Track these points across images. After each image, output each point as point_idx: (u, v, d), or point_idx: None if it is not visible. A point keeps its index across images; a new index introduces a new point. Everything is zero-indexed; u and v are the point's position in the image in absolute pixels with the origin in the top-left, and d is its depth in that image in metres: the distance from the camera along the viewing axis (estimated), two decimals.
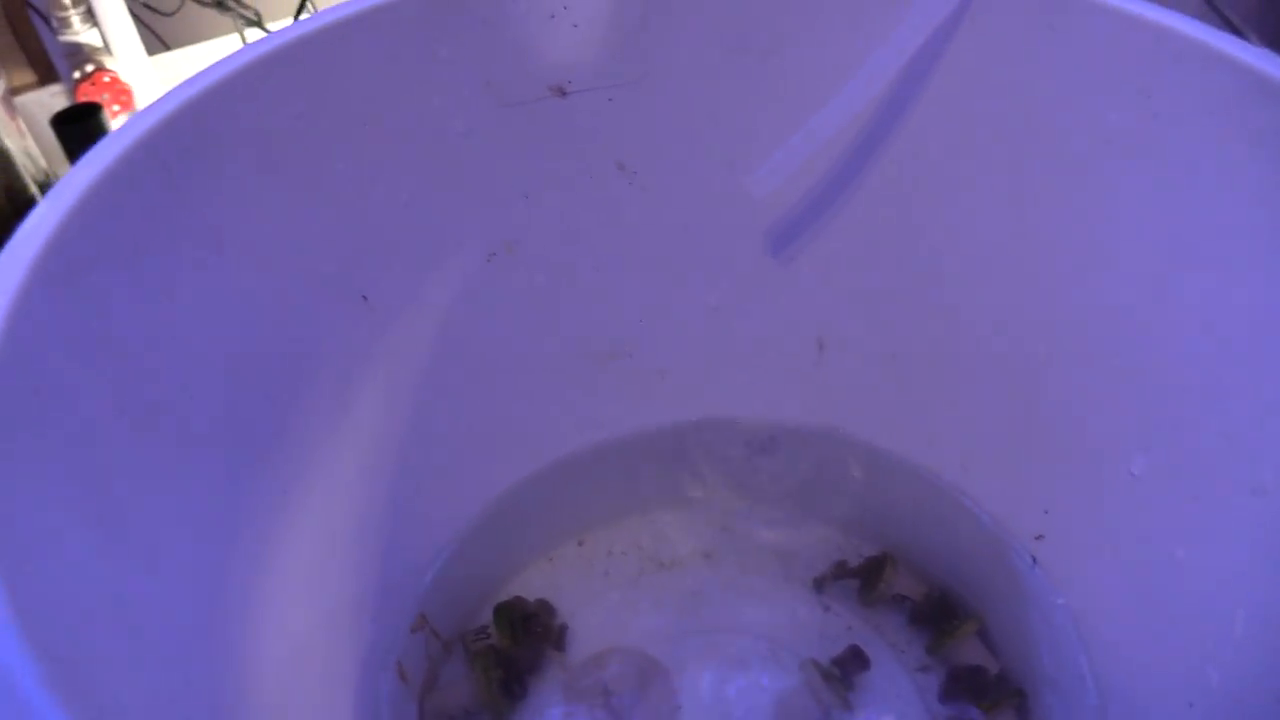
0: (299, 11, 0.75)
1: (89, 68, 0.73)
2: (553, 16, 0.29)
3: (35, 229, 0.20)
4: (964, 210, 0.30)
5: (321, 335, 0.28)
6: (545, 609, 0.36)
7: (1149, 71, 0.25)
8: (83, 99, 0.70)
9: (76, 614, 0.18)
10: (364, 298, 0.29)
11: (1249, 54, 0.23)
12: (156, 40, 0.87)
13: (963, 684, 0.33)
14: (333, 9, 0.27)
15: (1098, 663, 0.30)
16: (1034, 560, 0.32)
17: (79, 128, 0.64)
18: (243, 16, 0.85)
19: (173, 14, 0.86)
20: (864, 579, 0.36)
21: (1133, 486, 0.28)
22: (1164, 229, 0.26)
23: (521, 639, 0.35)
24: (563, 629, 0.35)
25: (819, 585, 0.36)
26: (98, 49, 0.73)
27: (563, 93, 0.30)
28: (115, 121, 0.74)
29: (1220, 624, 0.25)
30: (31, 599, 0.15)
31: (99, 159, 0.22)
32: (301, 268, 0.27)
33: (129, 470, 0.21)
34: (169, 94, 0.24)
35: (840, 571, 0.36)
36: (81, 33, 0.73)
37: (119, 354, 0.22)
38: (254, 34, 0.84)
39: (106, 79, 0.72)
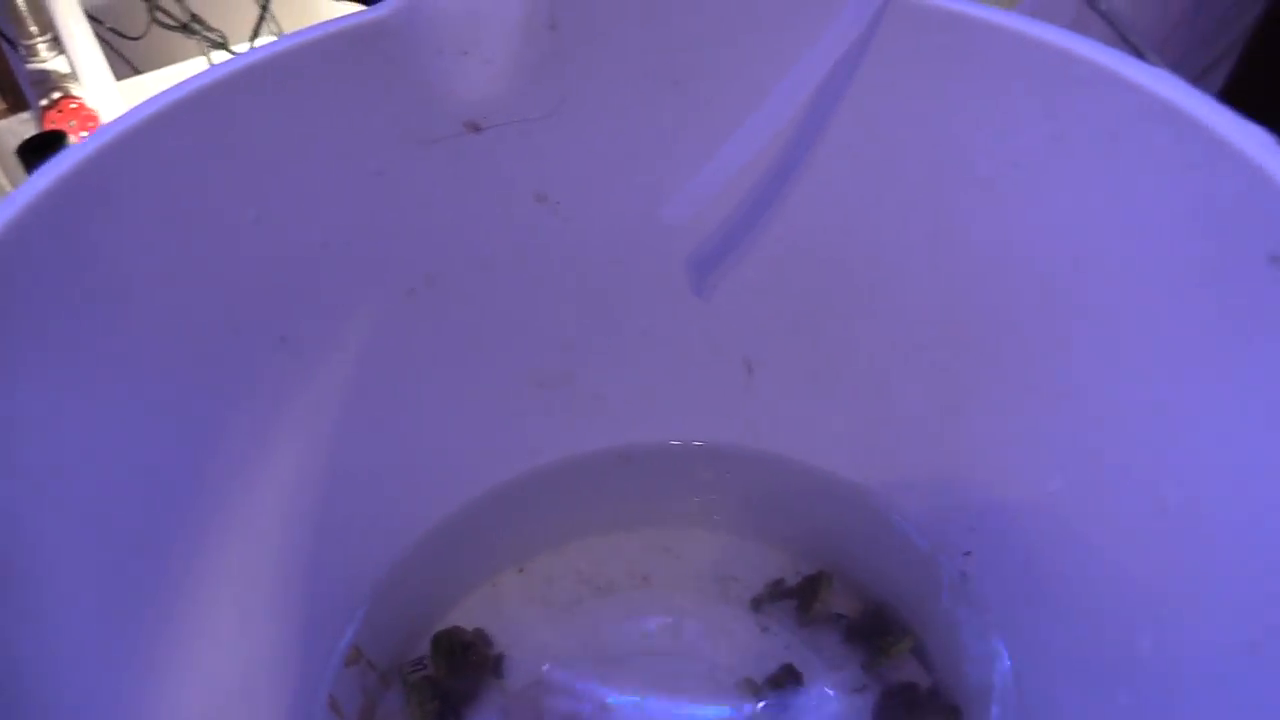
0: (255, 34, 0.76)
1: (56, 95, 0.73)
2: (464, 53, 0.29)
3: None
4: (879, 233, 0.30)
5: (239, 380, 0.29)
6: (482, 638, 0.36)
7: (1052, 93, 0.25)
8: (50, 126, 0.70)
9: None
10: (282, 339, 0.29)
11: (1147, 76, 0.24)
12: (125, 64, 0.87)
13: (896, 702, 0.33)
14: (237, 58, 0.27)
15: (1024, 679, 0.30)
16: (964, 577, 0.32)
17: (46, 155, 0.64)
18: (208, 39, 0.85)
19: (140, 38, 0.86)
20: (801, 598, 0.36)
21: (1051, 505, 0.29)
22: (1070, 251, 0.26)
23: (459, 669, 0.35)
24: (499, 658, 0.35)
25: (756, 605, 0.36)
26: (65, 75, 0.73)
27: (477, 128, 0.30)
28: None
29: (1129, 643, 0.25)
30: None
31: None
32: (215, 315, 0.27)
33: (35, 537, 0.21)
34: (65, 153, 0.24)
35: (777, 591, 0.36)
36: (49, 60, 0.73)
37: (27, 420, 0.22)
38: (220, 56, 0.84)
39: (74, 105, 0.72)
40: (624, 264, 0.33)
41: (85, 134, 0.73)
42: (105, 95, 0.74)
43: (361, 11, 0.28)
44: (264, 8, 0.71)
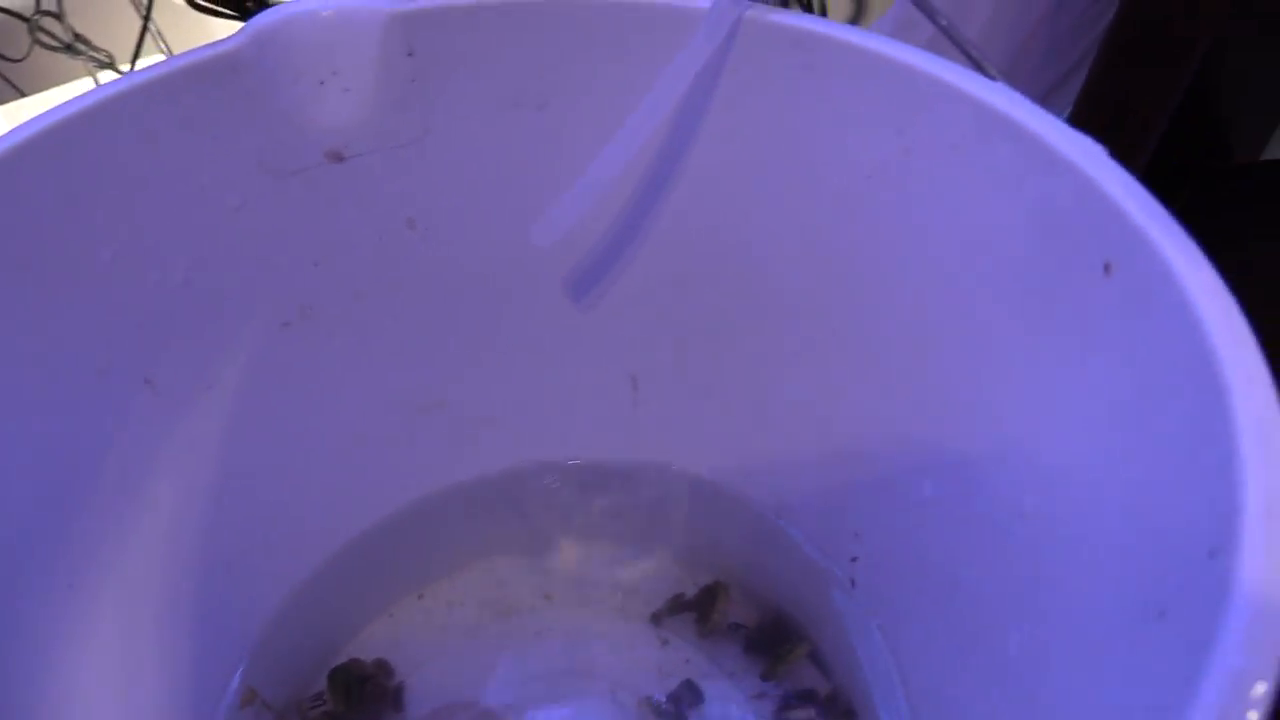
0: (136, 54, 0.74)
1: None
2: (321, 83, 0.29)
3: None
4: (747, 246, 0.31)
5: (104, 427, 0.28)
6: (383, 669, 0.35)
7: (899, 109, 0.26)
8: None
9: None
10: (147, 382, 0.29)
11: (985, 90, 0.24)
12: (9, 86, 0.84)
13: (795, 707, 0.33)
14: (80, 97, 0.26)
15: (909, 680, 0.31)
16: (853, 583, 0.33)
17: None
18: (94, 59, 0.82)
19: (22, 60, 0.83)
20: (699, 610, 0.36)
21: (926, 510, 0.29)
22: (925, 263, 0.27)
23: (357, 703, 0.34)
24: (399, 688, 0.35)
25: (656, 620, 0.36)
26: None
27: (340, 157, 0.30)
28: None
29: (998, 644, 0.26)
30: None
31: None
32: (72, 362, 0.27)
33: None
34: None
35: (676, 605, 0.36)
36: None
37: None
38: (106, 76, 0.82)
39: None
40: (501, 286, 0.33)
41: None
42: None
43: (212, 44, 0.28)
44: (144, 27, 0.69)
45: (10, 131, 0.25)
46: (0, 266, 0.25)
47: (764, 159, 0.29)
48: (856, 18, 0.86)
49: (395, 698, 0.35)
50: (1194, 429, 0.19)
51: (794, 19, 0.27)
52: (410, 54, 0.29)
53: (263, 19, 0.28)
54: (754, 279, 0.31)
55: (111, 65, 0.83)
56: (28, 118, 0.75)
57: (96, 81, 0.82)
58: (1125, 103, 0.36)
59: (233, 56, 0.27)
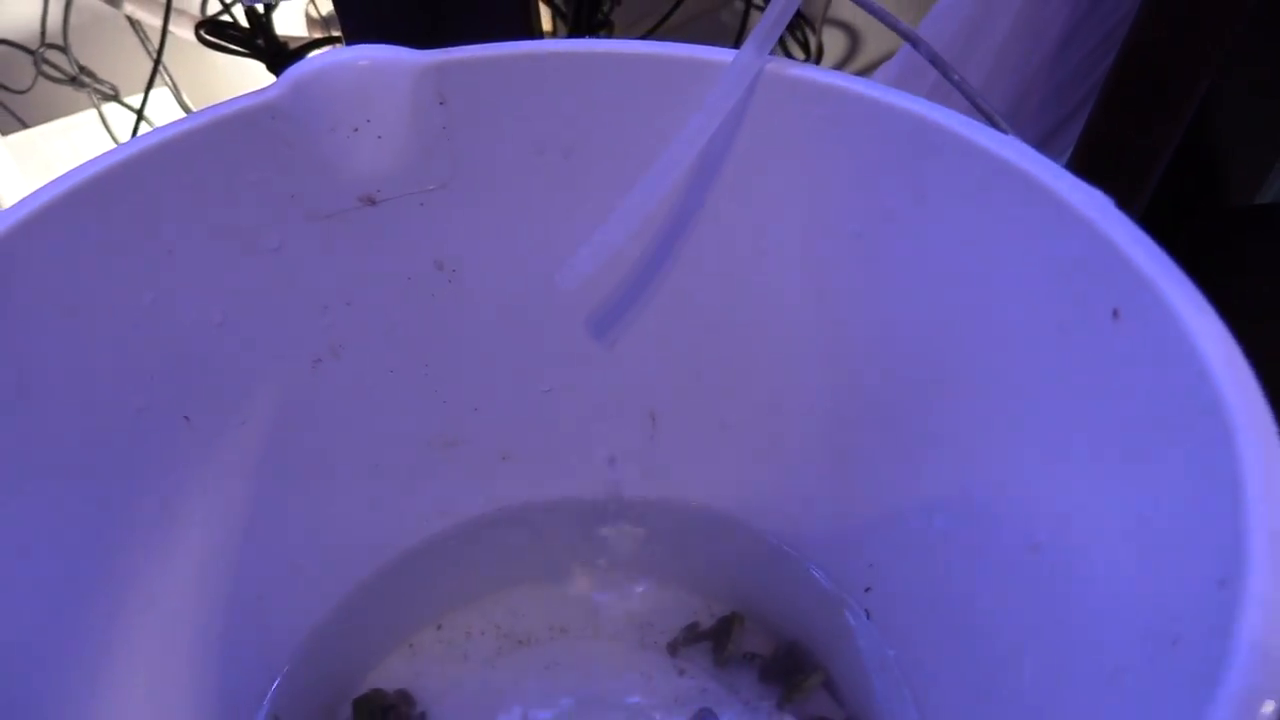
0: (149, 84, 0.75)
1: None
2: (356, 130, 0.30)
3: None
4: (765, 289, 0.32)
5: (144, 462, 0.29)
6: (405, 699, 0.36)
7: (914, 159, 0.27)
8: None
9: None
10: (186, 419, 0.30)
11: (996, 142, 0.25)
12: (12, 118, 0.85)
13: None
14: (127, 144, 0.27)
15: (924, 708, 0.32)
16: (868, 614, 0.34)
17: None
18: (99, 91, 0.84)
19: (26, 91, 0.85)
20: (715, 640, 0.37)
21: (939, 542, 0.30)
22: (938, 306, 0.28)
23: None
24: (422, 716, 0.36)
25: (673, 650, 0.37)
26: None
27: (373, 201, 0.31)
28: None
29: (1012, 672, 0.26)
30: None
31: None
32: (115, 399, 0.27)
33: None
34: None
35: (692, 634, 0.37)
36: None
37: None
38: (111, 109, 0.83)
39: None
40: (524, 325, 0.34)
41: None
42: None
43: (253, 93, 0.29)
44: (155, 68, 0.71)
45: (59, 179, 0.26)
46: (49, 312, 0.26)
47: (782, 205, 0.30)
48: (850, 56, 0.88)
49: None
50: (1201, 467, 0.20)
51: (813, 72, 0.28)
52: (442, 102, 0.30)
53: (301, 68, 0.29)
54: (769, 320, 0.32)
55: (116, 97, 0.84)
56: (32, 149, 0.76)
57: (101, 114, 0.83)
58: (1123, 152, 0.38)
59: (273, 105, 0.29)
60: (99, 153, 0.27)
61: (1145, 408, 0.22)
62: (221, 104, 0.28)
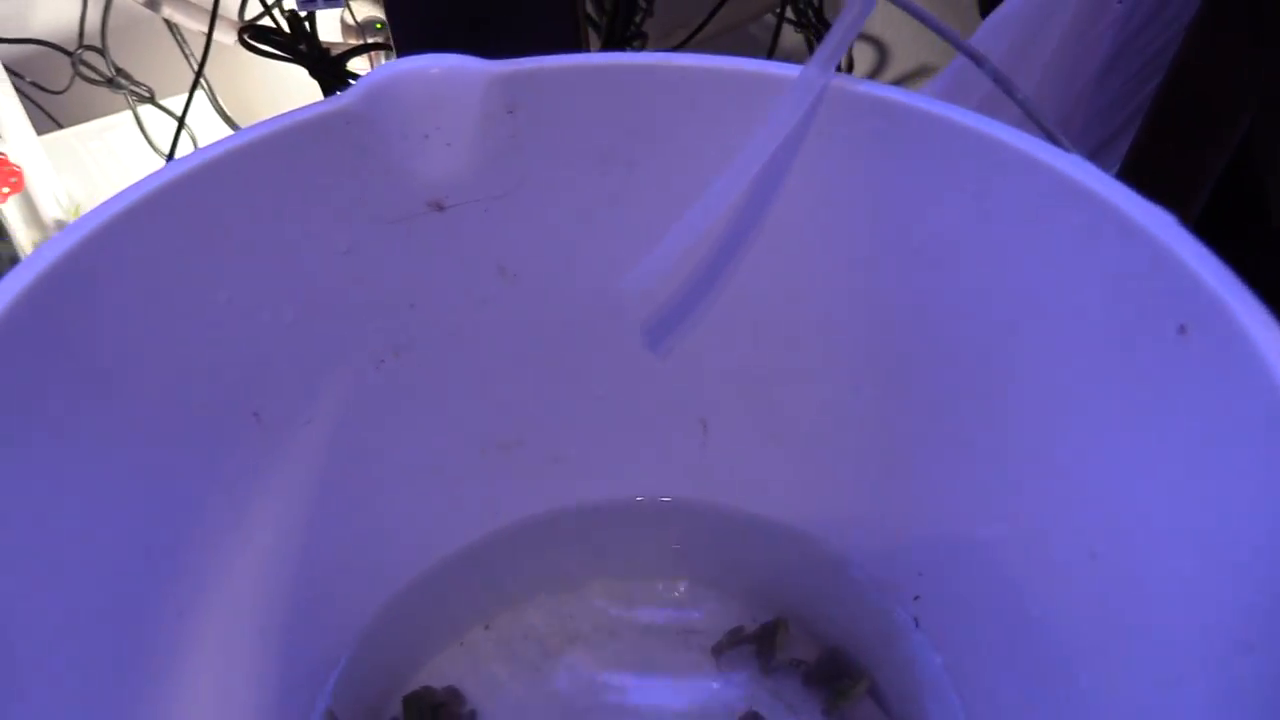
0: (193, 89, 0.76)
1: None
2: (426, 137, 0.31)
3: None
4: (822, 299, 0.32)
5: (215, 456, 0.29)
6: (454, 697, 0.37)
7: (978, 176, 0.28)
8: None
9: None
10: (255, 415, 0.30)
11: (1062, 161, 0.26)
12: (47, 118, 0.86)
13: None
14: (208, 147, 0.28)
15: (973, 715, 0.32)
16: (916, 622, 0.34)
17: None
18: (135, 93, 0.85)
19: (63, 92, 0.86)
20: (759, 645, 0.38)
21: (992, 551, 0.31)
22: (999, 319, 0.28)
23: None
24: (471, 715, 0.36)
25: (718, 653, 0.38)
26: None
27: (440, 207, 0.32)
28: (6, 205, 0.73)
29: (1067, 679, 0.27)
30: None
31: None
32: (191, 396, 0.28)
33: (27, 624, 0.22)
34: (51, 241, 0.24)
35: (737, 638, 0.38)
36: None
37: (12, 506, 0.22)
38: (146, 110, 0.84)
39: None
40: (581, 332, 0.35)
41: (7, 189, 0.73)
42: (26, 150, 0.73)
43: (329, 99, 0.29)
44: (200, 70, 0.72)
45: (142, 180, 0.27)
46: (131, 306, 0.26)
47: (843, 219, 0.31)
48: (878, 71, 0.89)
49: None
50: (1267, 475, 0.21)
51: (875, 88, 0.29)
52: (510, 111, 0.31)
53: (375, 76, 0.30)
54: (827, 331, 0.33)
55: (151, 99, 0.85)
56: (67, 149, 0.77)
57: (136, 115, 0.84)
58: (1168, 174, 0.38)
59: (347, 111, 0.29)
60: (133, 154, 0.28)
61: (1211, 420, 0.22)
62: (298, 110, 0.29)
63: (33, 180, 0.74)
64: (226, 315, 0.29)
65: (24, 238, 0.75)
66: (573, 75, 0.31)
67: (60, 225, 0.77)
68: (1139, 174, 0.40)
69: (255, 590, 0.31)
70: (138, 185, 0.27)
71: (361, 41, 0.79)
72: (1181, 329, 0.23)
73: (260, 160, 0.28)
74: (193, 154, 0.28)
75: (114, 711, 0.25)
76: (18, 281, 0.23)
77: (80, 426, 0.25)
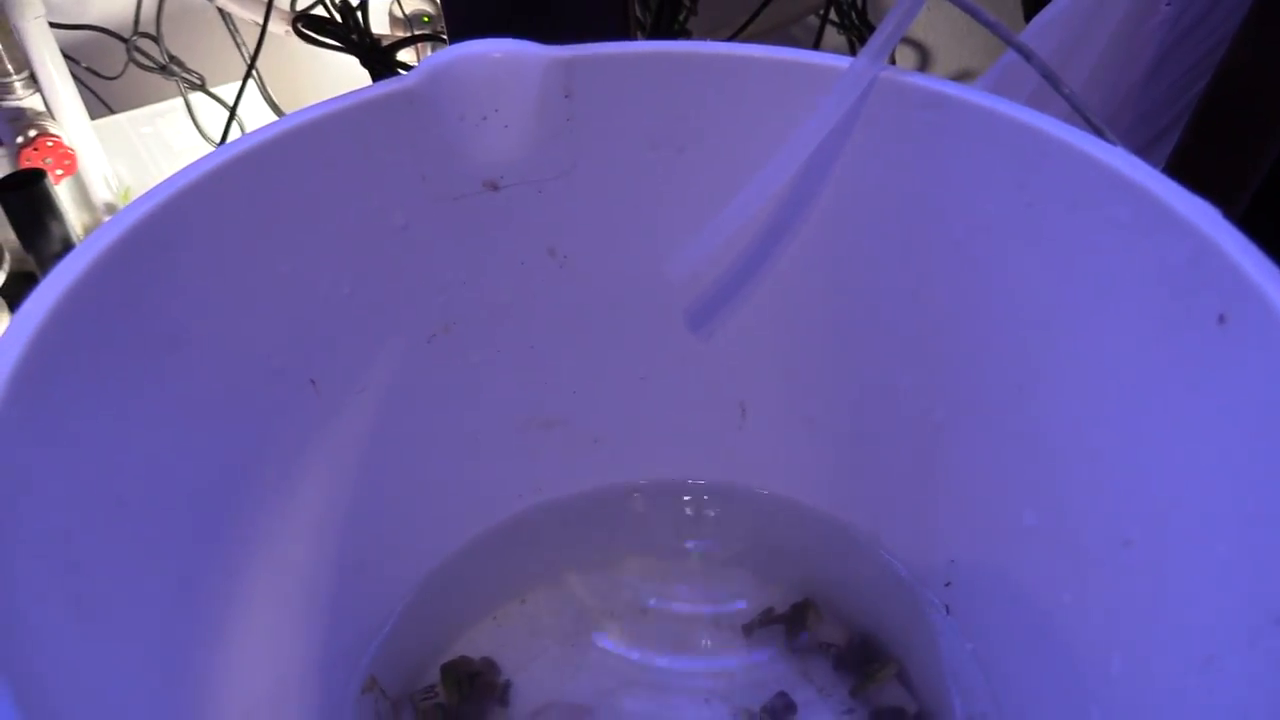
0: (245, 78, 0.77)
1: (32, 132, 0.74)
2: (484, 118, 0.31)
3: (10, 341, 0.21)
4: (863, 287, 0.33)
5: (271, 420, 0.30)
6: (490, 667, 0.38)
7: (1023, 166, 0.28)
8: (25, 164, 0.71)
9: (47, 688, 0.19)
10: (312, 383, 0.31)
11: (1107, 153, 0.27)
12: (100, 104, 0.88)
13: None
14: (277, 122, 0.29)
15: (1001, 701, 0.33)
16: (947, 609, 0.35)
17: (23, 193, 0.65)
18: (187, 80, 0.86)
19: (116, 78, 0.87)
20: (789, 625, 0.38)
21: (1025, 538, 0.31)
22: (1038, 308, 0.29)
23: (468, 696, 0.36)
24: (506, 685, 0.37)
25: (748, 632, 0.38)
26: (41, 114, 0.74)
27: (495, 187, 0.32)
28: (59, 186, 0.75)
29: (1099, 664, 0.27)
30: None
31: (67, 272, 0.23)
32: (252, 361, 0.29)
33: (99, 558, 0.23)
34: (129, 207, 0.25)
35: (768, 618, 0.39)
36: (24, 98, 0.74)
37: (88, 454, 0.23)
38: (197, 98, 0.86)
39: (50, 144, 0.73)
40: (626, 314, 0.36)
41: (60, 172, 0.75)
42: (80, 134, 0.75)
43: (393, 79, 0.30)
44: (253, 61, 0.73)
45: (213, 153, 0.28)
46: (201, 273, 0.27)
47: (889, 208, 0.31)
48: (922, 69, 0.89)
49: (503, 694, 0.37)
50: None
51: (923, 80, 0.29)
52: (567, 95, 0.32)
53: (437, 58, 0.31)
54: (867, 318, 0.34)
55: (203, 87, 0.87)
56: (119, 134, 0.78)
57: (188, 102, 0.86)
58: (1212, 174, 0.39)
59: (410, 91, 0.30)
60: (183, 140, 0.29)
61: (1249, 407, 0.23)
62: (363, 89, 0.30)
63: (85, 163, 0.76)
64: (288, 285, 0.30)
65: (74, 219, 0.77)
66: (628, 62, 0.32)
67: (110, 209, 0.79)
68: (1183, 174, 0.40)
69: (304, 554, 0.32)
70: (209, 157, 0.28)
71: (410, 33, 0.80)
72: (1221, 318, 0.24)
73: (325, 136, 0.29)
74: (260, 129, 0.29)
75: (167, 649, 0.26)
76: (96, 245, 0.24)
77: (147, 383, 0.26)
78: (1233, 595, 0.22)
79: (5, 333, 0.22)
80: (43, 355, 0.22)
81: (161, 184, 0.26)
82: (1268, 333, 0.22)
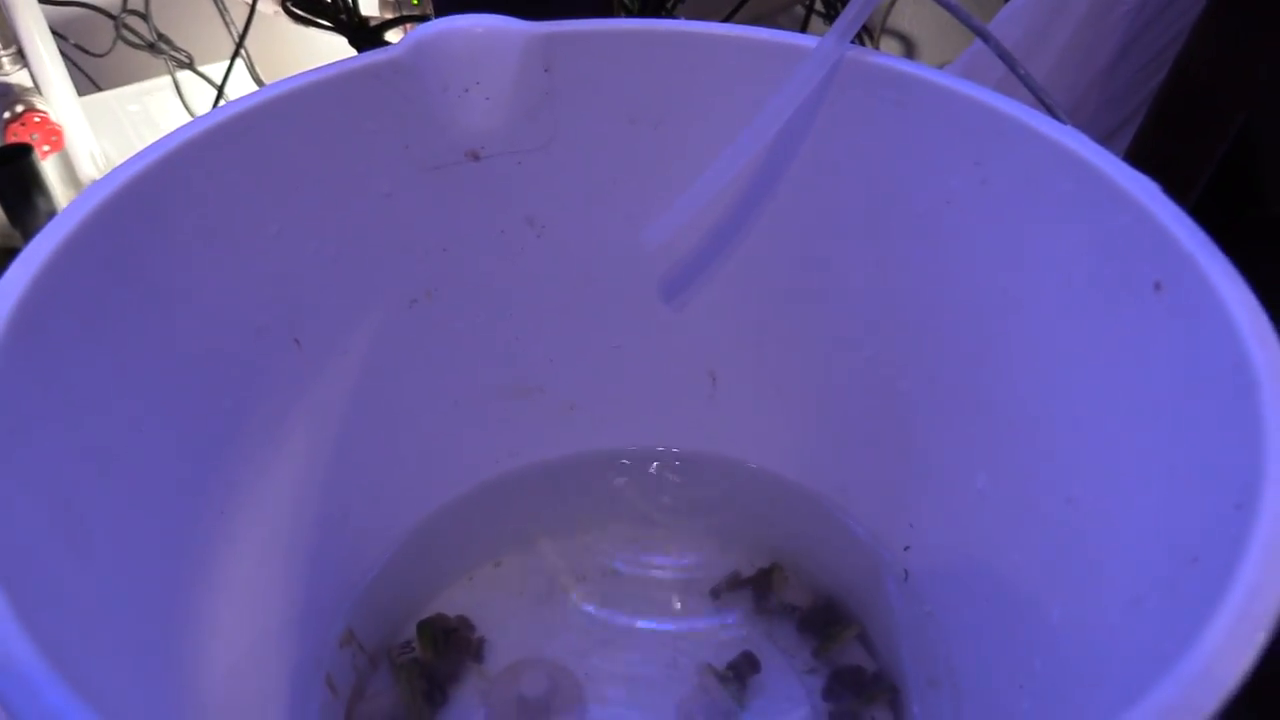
0: (234, 58, 0.78)
1: (19, 108, 0.74)
2: (466, 90, 0.33)
3: (7, 287, 0.22)
4: (829, 259, 0.34)
5: (257, 377, 0.31)
6: (465, 624, 0.39)
7: (979, 144, 0.30)
8: (13, 139, 0.71)
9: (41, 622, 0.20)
10: (296, 342, 0.32)
11: (1056, 130, 0.28)
12: (88, 81, 0.88)
13: (844, 682, 0.37)
14: (268, 87, 0.30)
15: (955, 660, 0.34)
16: (906, 574, 0.36)
17: (9, 169, 0.65)
18: (174, 59, 0.87)
19: (105, 55, 0.88)
20: (755, 588, 0.40)
21: (977, 501, 0.33)
22: (991, 279, 0.30)
23: (443, 652, 0.38)
24: (481, 642, 0.38)
25: (716, 595, 0.40)
26: (28, 89, 0.74)
27: (477, 157, 0.34)
28: (46, 162, 0.76)
29: (1041, 616, 0.29)
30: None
31: (62, 225, 0.24)
32: (238, 318, 0.30)
33: (91, 501, 0.24)
34: (125, 164, 0.27)
35: (734, 582, 0.40)
36: (11, 73, 0.74)
37: (80, 401, 0.24)
38: (185, 76, 0.86)
39: (37, 119, 0.74)
40: (602, 284, 0.37)
41: (48, 148, 0.75)
42: (67, 110, 0.75)
43: (380, 50, 0.32)
44: (241, 40, 0.74)
45: (203, 115, 0.29)
46: (190, 232, 0.29)
47: (853, 183, 0.33)
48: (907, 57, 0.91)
49: (477, 651, 0.38)
50: (1227, 414, 0.22)
51: (890, 60, 0.31)
52: (547, 70, 0.33)
53: (422, 31, 0.32)
54: (830, 290, 0.35)
55: (191, 66, 0.87)
56: (107, 111, 0.78)
57: (175, 80, 0.86)
58: (1168, 161, 0.40)
59: (396, 62, 0.32)
60: (170, 118, 0.30)
61: (1179, 368, 0.24)
62: (351, 58, 0.31)
63: (71, 140, 0.76)
64: (275, 247, 0.31)
65: (60, 196, 0.78)
66: (607, 38, 0.33)
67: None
68: (1141, 160, 0.41)
69: (286, 509, 0.34)
70: (201, 119, 0.29)
71: (398, 14, 0.81)
72: (1157, 286, 0.25)
73: (313, 103, 0.31)
74: (250, 94, 0.30)
75: (157, 594, 0.28)
76: (90, 199, 0.26)
77: (138, 335, 0.27)
78: (1158, 544, 0.24)
79: (2, 279, 0.23)
80: (38, 303, 0.23)
81: (154, 144, 0.27)
82: (1198, 296, 0.24)
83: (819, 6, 0.81)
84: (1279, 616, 0.17)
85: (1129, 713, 0.16)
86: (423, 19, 0.72)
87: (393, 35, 0.66)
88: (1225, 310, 0.23)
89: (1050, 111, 0.30)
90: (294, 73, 0.31)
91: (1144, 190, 0.26)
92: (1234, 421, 0.22)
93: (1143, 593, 0.24)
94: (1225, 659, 0.17)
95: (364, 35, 0.65)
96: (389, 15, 0.83)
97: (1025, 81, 0.29)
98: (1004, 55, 0.29)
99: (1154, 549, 0.24)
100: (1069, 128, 0.28)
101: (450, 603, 0.40)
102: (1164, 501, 0.24)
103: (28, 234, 0.68)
